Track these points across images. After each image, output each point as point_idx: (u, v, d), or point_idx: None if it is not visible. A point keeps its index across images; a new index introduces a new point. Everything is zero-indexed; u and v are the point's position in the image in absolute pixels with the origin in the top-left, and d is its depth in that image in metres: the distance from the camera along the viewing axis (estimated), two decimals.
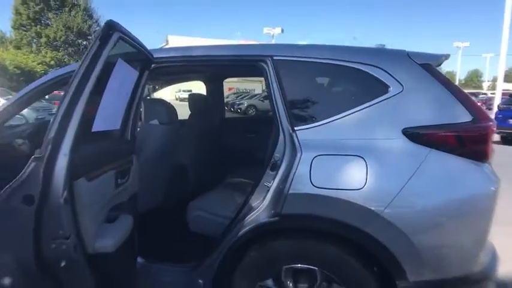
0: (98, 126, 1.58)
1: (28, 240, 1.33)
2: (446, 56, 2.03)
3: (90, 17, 41.46)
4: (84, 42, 40.94)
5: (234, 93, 27.91)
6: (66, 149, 1.37)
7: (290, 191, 1.72)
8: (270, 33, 39.97)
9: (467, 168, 1.68)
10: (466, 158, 1.68)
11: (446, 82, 1.80)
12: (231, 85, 28.90)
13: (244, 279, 1.88)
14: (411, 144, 1.68)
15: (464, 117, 1.71)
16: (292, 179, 1.72)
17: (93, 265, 1.55)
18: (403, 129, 1.69)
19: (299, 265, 1.78)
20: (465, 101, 1.76)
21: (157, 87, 3.84)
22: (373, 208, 1.62)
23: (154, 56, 2.04)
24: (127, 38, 1.63)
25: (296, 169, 1.73)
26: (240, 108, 22.49)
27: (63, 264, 1.41)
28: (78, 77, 1.43)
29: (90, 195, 1.55)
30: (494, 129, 1.76)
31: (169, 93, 27.37)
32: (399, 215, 1.62)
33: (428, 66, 1.83)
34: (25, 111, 4.29)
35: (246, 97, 24.84)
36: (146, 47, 1.91)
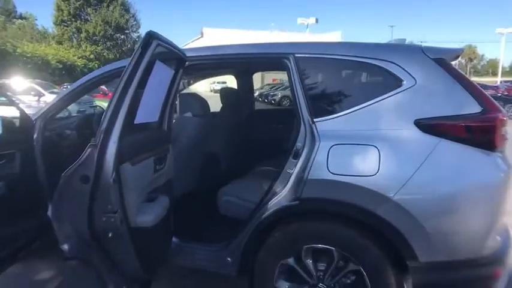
0: (139, 118, 1.82)
1: (84, 213, 1.59)
2: (460, 50, 2.13)
3: (127, 11, 42.58)
4: (122, 36, 42.22)
5: (268, 84, 27.94)
6: (115, 138, 1.61)
7: (309, 177, 1.89)
8: (304, 24, 39.65)
9: (475, 156, 1.79)
10: (475, 147, 1.79)
11: (457, 75, 1.90)
12: (275, 76, 28.96)
13: (268, 257, 2.07)
14: (422, 134, 1.80)
15: (474, 108, 1.81)
16: (311, 166, 1.89)
17: (135, 237, 1.79)
18: (415, 120, 1.82)
19: (318, 245, 1.95)
20: (475, 93, 1.86)
21: (191, 81, 4.07)
22: (385, 193, 1.76)
23: (188, 55, 2.25)
24: (163, 43, 1.86)
25: (315, 157, 1.90)
26: (274, 100, 22.46)
27: (110, 235, 1.66)
28: (124, 78, 1.67)
29: (133, 178, 1.78)
30: (505, 119, 1.85)
31: (204, 85, 27.84)
32: (410, 199, 1.76)
33: (441, 61, 1.93)
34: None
35: (280, 88, 24.85)
36: (180, 48, 2.13)
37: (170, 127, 2.37)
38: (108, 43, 41.72)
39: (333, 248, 1.92)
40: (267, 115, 4.15)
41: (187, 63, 2.30)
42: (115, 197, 1.64)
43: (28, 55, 25.35)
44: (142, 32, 44.45)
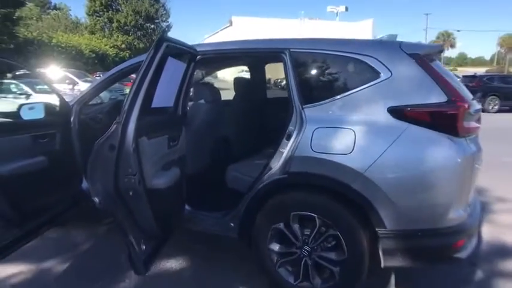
0: (156, 103, 2.25)
1: (110, 175, 2.01)
2: (439, 47, 2.43)
3: (157, 1, 43.20)
4: (152, 26, 42.97)
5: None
6: (134, 117, 2.03)
7: (296, 155, 2.26)
8: (334, 11, 39.20)
9: (439, 140, 2.09)
10: (440, 133, 2.09)
11: (429, 69, 2.20)
12: None
13: (262, 222, 2.46)
14: (393, 120, 2.12)
15: (440, 97, 2.12)
16: (298, 146, 2.25)
17: (151, 197, 2.21)
18: (388, 107, 2.14)
19: (303, 212, 2.31)
20: (443, 84, 2.16)
21: (204, 73, 4.49)
22: (358, 169, 2.10)
23: (198, 50, 2.65)
24: (173, 44, 2.26)
25: (301, 138, 2.25)
26: (281, 85, 22.77)
27: (131, 193, 2.09)
28: (141, 72, 2.08)
29: (149, 149, 2.21)
30: (468, 108, 2.14)
31: (229, 75, 28.15)
32: (379, 175, 2.09)
33: (416, 56, 2.23)
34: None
35: None
36: (190, 45, 2.56)
37: (185, 112, 2.78)
38: (139, 33, 42.58)
39: (315, 215, 2.27)
40: (278, 103, 4.50)
41: (198, 57, 2.69)
42: (134, 163, 2.05)
43: (63, 45, 26.41)
44: (172, 21, 45.14)
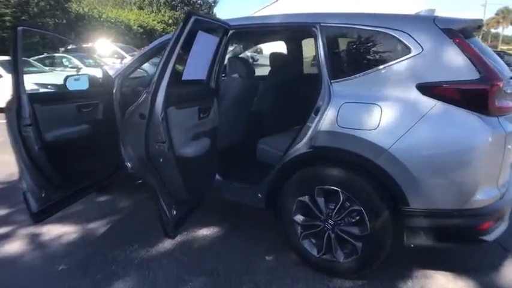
0: (186, 76, 2.34)
1: (142, 141, 2.15)
2: (476, 22, 2.33)
3: None
4: (199, 1, 43.07)
5: None
6: (163, 88, 2.13)
7: (322, 129, 2.29)
8: None
9: (468, 119, 2.03)
10: (470, 111, 2.04)
11: (463, 45, 2.12)
12: None
13: (288, 194, 2.53)
14: (422, 96, 2.08)
15: (473, 75, 2.05)
16: (325, 120, 2.27)
17: (180, 164, 2.33)
18: (417, 84, 2.10)
19: (327, 187, 2.35)
20: (478, 62, 2.08)
21: (242, 47, 4.53)
22: (382, 145, 2.10)
23: (231, 25, 2.71)
24: (201, 18, 2.32)
25: (328, 113, 2.27)
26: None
27: (161, 160, 2.21)
28: (170, 44, 2.16)
29: (178, 118, 2.31)
30: (502, 86, 2.06)
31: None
32: (404, 151, 2.08)
33: (450, 31, 2.15)
34: (146, 66, 5.31)
35: None
36: (221, 20, 2.68)
37: (218, 85, 2.86)
38: (186, 8, 42.71)
39: (339, 190, 2.30)
40: (314, 79, 4.47)
41: (231, 31, 2.74)
42: (163, 131, 2.16)
43: (112, 20, 27.06)
44: None
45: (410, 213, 2.15)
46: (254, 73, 3.42)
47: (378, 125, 2.12)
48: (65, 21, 20.92)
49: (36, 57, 12.84)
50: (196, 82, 2.64)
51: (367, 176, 2.22)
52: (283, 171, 2.52)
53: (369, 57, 2.34)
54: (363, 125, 2.17)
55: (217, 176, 2.91)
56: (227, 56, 3.36)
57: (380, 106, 2.14)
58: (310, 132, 2.36)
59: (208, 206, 2.97)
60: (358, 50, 2.40)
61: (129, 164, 2.29)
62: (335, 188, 2.32)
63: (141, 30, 31.53)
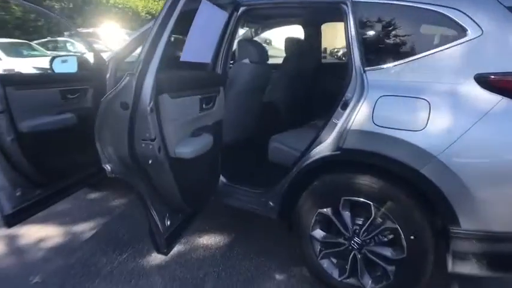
0: (186, 56, 1.87)
1: (124, 138, 1.70)
2: None
3: None
4: None
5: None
6: (153, 69, 1.67)
7: (353, 128, 1.84)
8: None
9: None
10: None
11: None
12: None
13: (306, 205, 2.09)
14: (482, 90, 1.63)
15: None
16: (356, 117, 1.83)
17: (174, 167, 1.89)
18: (476, 74, 1.65)
19: (356, 198, 1.92)
20: None
21: (259, 31, 4.03)
22: (430, 150, 1.66)
23: (243, 0, 2.26)
24: None
25: (361, 107, 1.83)
26: (337, 54, 21.53)
27: (150, 161, 1.77)
28: (164, 11, 1.70)
29: (173, 110, 1.85)
30: None
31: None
32: (458, 160, 1.64)
33: None
34: None
35: None
36: None
37: (225, 71, 2.41)
38: None
39: (371, 203, 1.87)
40: (334, 69, 4.01)
41: (242, 8, 2.29)
42: (153, 126, 1.71)
43: (120, 6, 26.59)
44: None
45: (460, 235, 1.72)
46: (267, 58, 2.96)
47: (426, 125, 1.68)
48: (71, 5, 20.50)
49: (38, 40, 12.50)
50: (198, 65, 2.18)
51: (408, 188, 1.79)
52: (301, 176, 2.08)
53: (413, 40, 1.89)
54: (406, 125, 1.72)
55: (221, 178, 2.49)
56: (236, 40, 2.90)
57: (428, 101, 1.69)
58: (336, 131, 1.92)
59: (211, 208, 2.55)
60: (399, 32, 1.93)
61: (108, 167, 1.83)
62: (366, 201, 1.89)
63: (149, 17, 31.06)
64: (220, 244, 2.69)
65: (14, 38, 11.61)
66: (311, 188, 2.06)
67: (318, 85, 3.73)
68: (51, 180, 2.57)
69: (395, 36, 1.93)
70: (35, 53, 10.07)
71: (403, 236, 1.83)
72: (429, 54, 1.75)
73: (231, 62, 2.96)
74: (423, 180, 1.71)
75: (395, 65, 1.82)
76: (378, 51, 1.96)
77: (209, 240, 2.73)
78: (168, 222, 2.01)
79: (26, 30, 15.73)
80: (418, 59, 1.78)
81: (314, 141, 2.05)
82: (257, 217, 2.45)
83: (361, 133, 1.83)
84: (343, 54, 22.05)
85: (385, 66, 1.85)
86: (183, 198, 2.00)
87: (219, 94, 2.25)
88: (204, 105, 2.08)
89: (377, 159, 1.81)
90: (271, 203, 2.27)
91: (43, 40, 13.06)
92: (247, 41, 3.07)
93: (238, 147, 2.77)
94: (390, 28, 1.95)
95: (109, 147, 1.78)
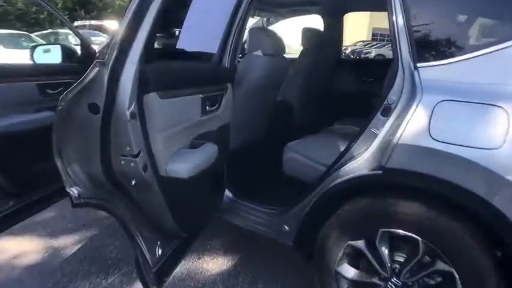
0: (184, 43, 1.44)
1: (95, 152, 1.28)
2: None
3: None
4: None
5: (363, 41, 25.99)
6: (135, 58, 1.23)
7: (400, 141, 1.42)
8: None
9: None
10: None
11: None
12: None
13: (333, 234, 1.67)
14: None
15: None
16: (406, 127, 1.41)
17: (167, 189, 1.48)
18: None
19: (400, 231, 1.50)
20: None
21: (271, 20, 3.58)
22: (508, 176, 1.24)
23: None
24: None
25: (412, 116, 1.40)
26: (367, 58, 21.09)
27: (133, 182, 1.36)
28: None
29: (164, 114, 1.41)
30: None
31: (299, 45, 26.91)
32: None
33: None
34: None
35: (375, 46, 22.95)
36: None
37: (234, 64, 1.97)
38: None
39: (419, 238, 1.45)
40: (356, 66, 3.57)
41: None
42: (135, 137, 1.28)
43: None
44: None
45: None
46: (284, 51, 2.52)
47: (504, 141, 1.26)
48: None
49: (39, 32, 12.20)
50: (200, 56, 1.75)
51: (472, 222, 1.37)
52: (327, 198, 1.67)
53: (483, 26, 1.46)
54: (476, 141, 1.30)
55: (227, 192, 2.08)
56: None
57: (505, 109, 1.27)
58: (377, 144, 1.50)
59: (214, 225, 2.15)
60: (463, 16, 1.50)
61: (74, 191, 1.38)
62: (412, 235, 1.47)
63: None
64: (222, 268, 2.30)
65: (16, 30, 11.34)
66: (340, 214, 1.64)
67: (336, 83, 3.31)
68: (27, 189, 2.19)
69: (460, 20, 1.50)
70: (33, 44, 9.77)
71: (459, 282, 1.41)
72: (506, 47, 1.33)
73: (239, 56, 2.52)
74: (494, 213, 1.29)
75: (460, 60, 1.39)
76: (434, 41, 1.52)
77: (210, 263, 2.34)
78: (160, 252, 1.60)
79: (28, 22, 15.44)
80: (492, 52, 1.34)
81: (344, 154, 1.64)
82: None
83: (413, 149, 1.40)
84: (352, 52, 21.75)
85: (445, 61, 1.41)
86: (178, 224, 1.60)
87: (226, 92, 1.83)
88: (207, 106, 1.66)
89: (432, 184, 1.38)
90: (286, 227, 1.86)
91: (44, 32, 12.76)
92: (261, 29, 2.59)
93: (246, 154, 2.36)
94: (451, 10, 1.51)
95: (74, 165, 1.35)
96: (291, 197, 1.86)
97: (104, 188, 1.35)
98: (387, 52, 20.70)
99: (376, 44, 23.30)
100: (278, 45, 2.40)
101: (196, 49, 1.60)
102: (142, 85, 1.28)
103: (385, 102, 1.52)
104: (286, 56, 2.57)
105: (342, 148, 1.85)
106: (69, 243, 2.51)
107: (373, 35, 29.98)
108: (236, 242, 2.53)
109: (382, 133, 1.49)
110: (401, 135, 1.41)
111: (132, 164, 1.29)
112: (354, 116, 2.78)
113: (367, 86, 3.18)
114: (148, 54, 1.27)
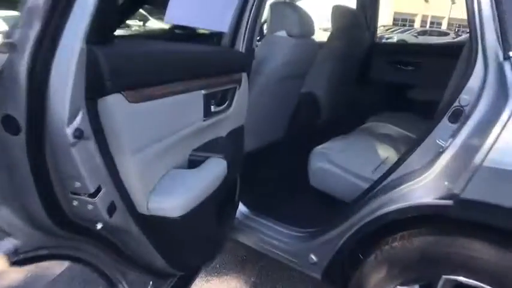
0: (173, 16, 0.99)
1: (30, 190, 0.81)
2: None
3: None
4: None
5: (384, 26, 24.96)
6: (77, 33, 0.74)
7: (485, 163, 1.00)
8: None
9: None
10: None
11: None
12: None
13: (378, 274, 1.28)
14: None
15: None
16: (495, 142, 0.99)
17: (152, 230, 1.07)
18: None
19: (470, 280, 1.10)
20: None
21: None
22: None
23: None
24: None
25: (504, 126, 0.99)
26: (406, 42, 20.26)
27: (99, 226, 0.94)
28: None
29: (138, 126, 0.94)
30: None
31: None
32: None
33: None
34: None
35: (397, 31, 21.99)
36: None
37: (251, 48, 1.52)
38: None
39: None
40: (392, 51, 3.10)
41: None
42: (89, 166, 0.83)
43: None
44: None
45: None
46: (313, 32, 2.07)
47: None
48: None
49: None
50: (203, 36, 1.31)
51: None
52: (372, 228, 1.27)
53: None
54: None
55: (240, 206, 1.70)
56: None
57: None
58: (444, 161, 1.09)
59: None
60: None
61: (5, 245, 0.94)
62: (484, 286, 1.07)
63: None
64: None
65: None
66: (389, 250, 1.25)
67: (369, 71, 2.88)
68: None
69: None
70: None
71: None
72: None
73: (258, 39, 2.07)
74: None
75: None
76: None
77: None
78: None
79: None
80: None
81: (394, 170, 1.24)
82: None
83: (505, 175, 0.99)
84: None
85: None
86: (171, 265, 1.22)
87: (240, 85, 1.40)
88: (212, 106, 1.25)
89: None
90: (313, 257, 1.49)
91: None
92: (285, 3, 2.09)
93: (264, 161, 1.96)
94: None
95: (2, 208, 0.91)
96: (320, 217, 1.48)
97: (55, 233, 0.94)
98: (409, 38, 19.86)
99: (397, 30, 22.44)
100: (307, 23, 1.94)
101: (201, 25, 1.16)
102: (94, 82, 0.80)
103: (456, 103, 1.11)
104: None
105: (385, 155, 1.47)
106: (57, 262, 2.20)
107: (394, 19, 29.14)
108: (250, 260, 2.16)
109: (452, 146, 1.08)
110: (487, 153, 0.99)
111: (90, 207, 0.88)
112: (393, 110, 2.38)
113: (406, 75, 2.74)
114: (105, 27, 0.80)
